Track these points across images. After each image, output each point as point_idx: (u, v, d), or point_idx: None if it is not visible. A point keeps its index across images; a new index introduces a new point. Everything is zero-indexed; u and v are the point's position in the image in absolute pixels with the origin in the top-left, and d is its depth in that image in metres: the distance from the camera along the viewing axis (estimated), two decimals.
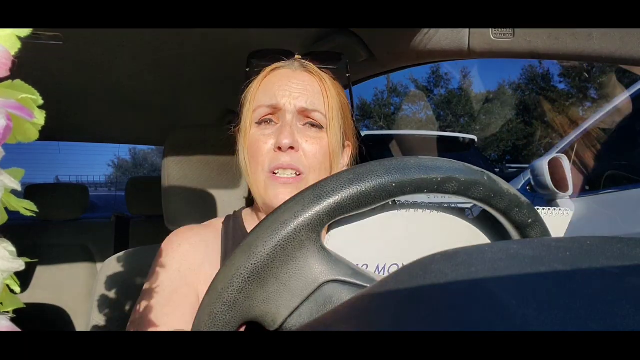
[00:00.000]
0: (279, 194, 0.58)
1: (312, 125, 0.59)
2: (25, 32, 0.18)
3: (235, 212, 0.69)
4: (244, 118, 0.62)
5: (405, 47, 0.72)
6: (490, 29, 0.59)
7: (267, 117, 0.60)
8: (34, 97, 0.19)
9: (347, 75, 0.64)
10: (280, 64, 0.62)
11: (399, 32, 0.71)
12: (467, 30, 0.62)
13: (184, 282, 0.58)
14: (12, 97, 0.18)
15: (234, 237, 0.64)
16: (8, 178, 0.18)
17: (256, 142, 0.59)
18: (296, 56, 0.63)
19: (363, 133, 4.51)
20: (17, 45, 0.18)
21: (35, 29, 0.19)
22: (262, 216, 0.64)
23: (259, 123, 0.60)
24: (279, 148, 0.57)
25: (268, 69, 0.62)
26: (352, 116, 0.64)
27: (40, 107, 0.19)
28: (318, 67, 0.61)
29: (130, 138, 2.05)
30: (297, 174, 0.58)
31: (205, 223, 0.68)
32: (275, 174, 0.58)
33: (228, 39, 0.85)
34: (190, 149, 0.86)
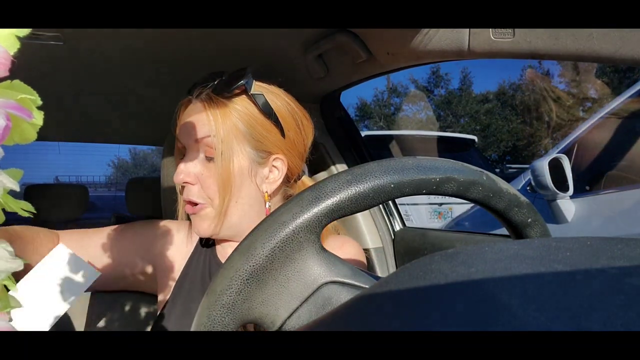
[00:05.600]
0: (195, 224, 0.65)
1: (207, 156, 0.63)
2: (24, 32, 0.18)
3: None
4: (175, 149, 0.68)
5: (405, 47, 0.72)
6: (490, 29, 0.59)
7: (183, 151, 0.66)
8: (33, 98, 0.19)
9: (250, 93, 0.63)
10: (187, 99, 0.66)
11: (399, 32, 0.71)
12: (467, 30, 0.62)
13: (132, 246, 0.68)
14: (11, 98, 0.18)
15: (204, 253, 0.71)
16: (7, 178, 0.18)
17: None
18: (200, 87, 0.64)
19: (363, 133, 4.52)
20: (17, 45, 0.18)
21: (35, 29, 0.19)
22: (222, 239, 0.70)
23: (182, 157, 0.66)
24: None
25: (180, 106, 0.67)
26: (280, 129, 0.64)
27: (39, 107, 0.19)
28: (229, 90, 0.61)
29: (130, 138, 2.04)
30: (196, 204, 0.63)
31: None
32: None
33: (228, 39, 0.84)
34: None
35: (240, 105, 0.62)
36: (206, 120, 0.61)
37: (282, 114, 0.65)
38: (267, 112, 0.63)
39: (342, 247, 0.70)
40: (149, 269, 0.69)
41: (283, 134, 0.65)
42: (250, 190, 0.64)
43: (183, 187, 0.64)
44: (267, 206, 0.66)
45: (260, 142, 0.63)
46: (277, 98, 0.65)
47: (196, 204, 0.63)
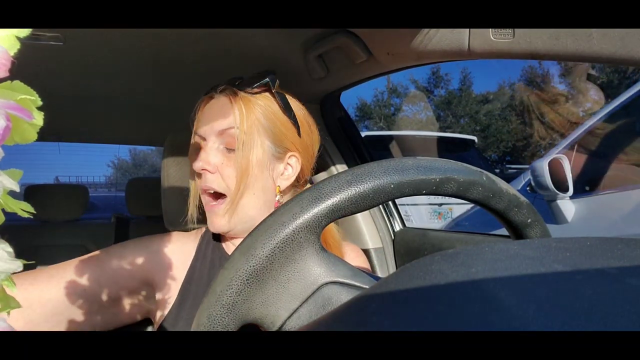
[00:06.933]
0: (211, 219, 0.66)
1: (227, 147, 0.65)
2: (24, 32, 0.18)
3: None
4: (190, 144, 0.70)
5: (405, 47, 0.72)
6: (490, 29, 0.59)
7: (200, 142, 0.67)
8: (33, 98, 0.19)
9: (273, 90, 0.67)
10: (208, 96, 0.69)
11: (399, 32, 0.71)
12: (467, 30, 0.62)
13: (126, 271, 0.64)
14: (11, 98, 0.18)
15: (210, 254, 0.71)
16: (7, 179, 0.18)
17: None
18: (224, 85, 0.68)
19: (363, 134, 4.52)
20: (17, 45, 0.18)
21: (35, 29, 0.19)
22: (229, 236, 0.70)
23: (198, 152, 0.67)
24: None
25: (201, 102, 0.69)
26: (297, 128, 0.68)
27: (39, 108, 0.19)
28: (253, 86, 0.66)
29: (130, 139, 2.04)
30: (217, 196, 0.65)
31: (193, 232, 0.75)
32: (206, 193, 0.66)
33: (228, 39, 0.85)
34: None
35: (263, 102, 0.66)
36: (230, 113, 0.65)
37: (299, 116, 0.69)
38: (288, 110, 0.67)
39: (357, 256, 0.76)
40: (148, 289, 0.67)
41: (299, 133, 0.69)
42: (266, 183, 0.66)
43: (200, 174, 0.66)
44: (277, 199, 0.68)
45: (279, 137, 0.67)
46: (293, 102, 0.70)
47: (216, 196, 0.65)
